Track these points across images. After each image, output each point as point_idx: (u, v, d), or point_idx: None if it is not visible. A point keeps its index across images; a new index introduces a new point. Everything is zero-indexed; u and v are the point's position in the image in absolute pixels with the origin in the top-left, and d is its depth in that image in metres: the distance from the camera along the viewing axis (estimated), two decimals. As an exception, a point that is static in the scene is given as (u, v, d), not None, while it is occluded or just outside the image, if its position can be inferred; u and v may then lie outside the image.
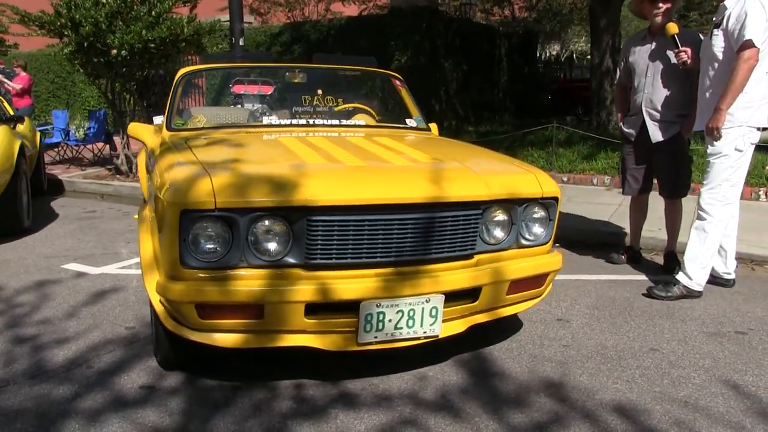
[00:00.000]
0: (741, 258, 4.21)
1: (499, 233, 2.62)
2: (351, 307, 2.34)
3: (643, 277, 4.13)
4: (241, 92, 4.09)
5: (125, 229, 5.67)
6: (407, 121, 3.87)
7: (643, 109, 4.04)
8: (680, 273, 3.67)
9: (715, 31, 3.50)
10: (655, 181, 4.22)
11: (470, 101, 12.51)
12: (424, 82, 10.73)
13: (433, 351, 2.82)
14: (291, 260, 2.32)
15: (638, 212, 4.44)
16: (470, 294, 2.55)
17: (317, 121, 3.60)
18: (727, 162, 3.49)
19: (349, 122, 3.68)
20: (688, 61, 3.73)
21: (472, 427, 2.28)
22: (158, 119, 3.77)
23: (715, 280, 3.83)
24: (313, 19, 14.11)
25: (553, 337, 3.11)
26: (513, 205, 2.61)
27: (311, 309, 2.33)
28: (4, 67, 11.95)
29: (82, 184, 8.03)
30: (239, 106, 4.05)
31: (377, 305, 2.34)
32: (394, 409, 2.40)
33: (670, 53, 3.88)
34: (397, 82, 4.12)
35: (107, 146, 9.86)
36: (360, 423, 2.31)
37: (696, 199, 3.67)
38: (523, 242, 2.69)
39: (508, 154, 8.41)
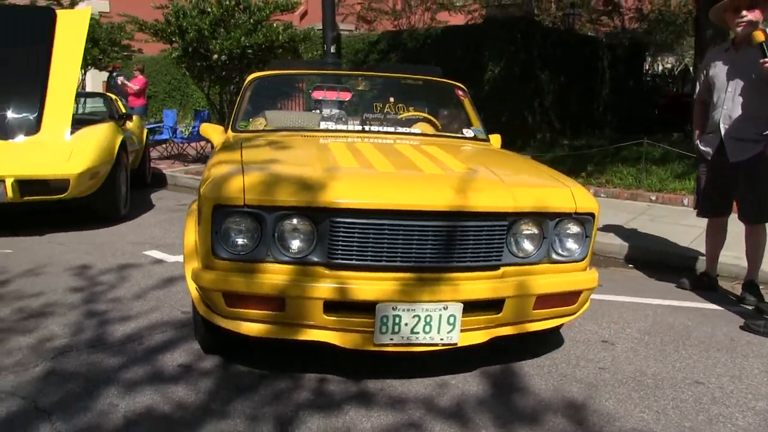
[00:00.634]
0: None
1: (528, 246, 2.60)
2: (368, 307, 2.40)
3: (711, 305, 3.90)
4: (320, 98, 4.23)
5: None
6: (464, 131, 3.88)
7: (721, 126, 3.82)
8: None
9: None
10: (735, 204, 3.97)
11: (568, 114, 12.19)
12: (517, 94, 10.60)
13: (460, 360, 2.83)
14: (315, 258, 2.42)
15: (715, 236, 4.19)
16: (493, 305, 2.54)
17: (373, 128, 3.69)
18: None
19: (404, 130, 3.75)
20: None
21: (476, 437, 2.28)
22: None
23: None
24: (410, 28, 14.27)
25: (591, 359, 3.02)
26: (544, 218, 2.58)
27: (331, 306, 2.42)
28: (119, 70, 12.99)
29: (182, 178, 8.60)
30: (318, 111, 4.17)
31: (393, 308, 2.39)
32: (404, 412, 2.44)
33: (754, 67, 3.63)
34: (460, 93, 4.15)
35: (209, 144, 10.47)
36: (367, 421, 2.37)
37: None
38: (556, 257, 2.65)
39: (597, 169, 8.24)
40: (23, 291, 3.79)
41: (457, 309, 2.44)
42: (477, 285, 2.49)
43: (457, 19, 19.17)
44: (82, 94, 8.77)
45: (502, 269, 2.55)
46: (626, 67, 14.39)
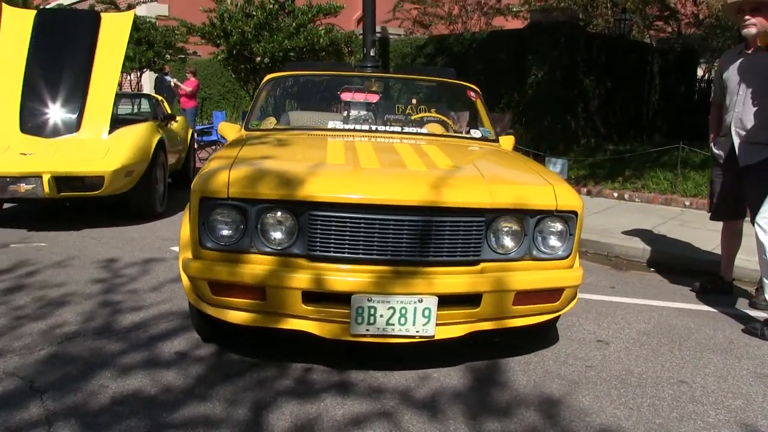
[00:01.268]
0: None
1: (508, 243, 2.62)
2: (344, 299, 2.48)
3: (720, 309, 3.81)
4: (349, 99, 4.30)
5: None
6: (472, 131, 3.92)
7: (732, 129, 3.74)
8: None
9: None
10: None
11: (614, 120, 11.93)
12: (560, 98, 10.45)
13: (448, 354, 2.89)
14: (296, 250, 2.53)
15: (730, 239, 4.09)
16: (471, 300, 2.58)
17: (380, 128, 3.77)
18: None
19: (412, 130, 3.81)
20: None
21: (441, 428, 2.32)
22: None
23: None
24: (457, 33, 14.25)
25: (581, 357, 3.01)
26: (524, 215, 2.60)
27: (310, 297, 2.51)
28: (167, 72, 13.47)
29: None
30: (346, 112, 4.23)
31: (368, 300, 2.46)
32: (378, 402, 2.50)
33: (766, 69, 3.55)
34: (472, 94, 4.18)
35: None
36: (340, 408, 2.44)
37: None
38: (538, 254, 2.66)
39: (634, 174, 8.07)
40: (48, 281, 4.03)
41: (432, 302, 2.49)
42: (453, 279, 2.54)
43: (514, 24, 18.99)
44: (127, 95, 9.18)
45: (482, 265, 2.59)
46: (678, 72, 13.97)
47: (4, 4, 6.69)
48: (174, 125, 7.99)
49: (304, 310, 2.53)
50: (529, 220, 2.62)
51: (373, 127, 3.79)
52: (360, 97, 4.10)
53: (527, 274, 2.64)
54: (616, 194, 7.50)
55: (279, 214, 2.52)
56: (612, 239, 5.39)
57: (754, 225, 3.75)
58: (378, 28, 13.49)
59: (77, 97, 5.89)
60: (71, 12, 7.76)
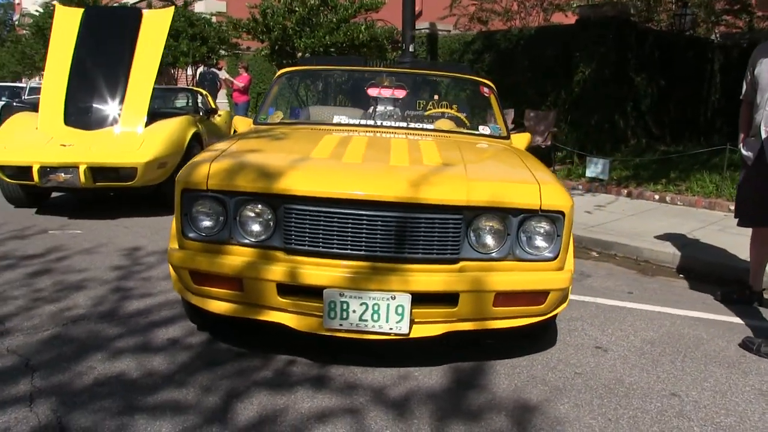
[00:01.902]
0: None
1: (489, 242, 2.56)
2: (318, 292, 2.48)
3: (740, 319, 3.61)
4: (375, 95, 4.30)
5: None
6: (480, 127, 3.84)
7: (762, 128, 3.52)
8: None
9: None
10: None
11: (668, 119, 11.47)
12: (609, 96, 10.12)
13: (435, 354, 2.85)
14: (274, 243, 2.54)
15: (760, 246, 3.85)
16: (448, 299, 2.54)
17: (385, 123, 3.75)
18: None
19: (415, 125, 3.77)
20: None
21: (405, 428, 2.29)
22: None
23: None
24: (506, 29, 13.97)
25: (573, 363, 2.91)
26: (506, 214, 2.53)
27: (285, 290, 2.53)
28: (222, 68, 13.79)
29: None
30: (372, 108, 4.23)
31: (341, 294, 2.46)
32: (349, 398, 2.49)
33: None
34: (485, 89, 4.10)
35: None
36: (309, 401, 2.45)
37: None
38: (522, 255, 2.59)
39: (680, 176, 7.73)
40: (72, 266, 4.20)
41: (405, 299, 2.46)
42: (428, 277, 2.49)
43: (573, 21, 18.52)
44: (170, 89, 9.44)
45: (461, 263, 2.54)
46: (742, 70, 13.29)
47: (57, 4, 7.01)
48: (217, 119, 8.20)
49: (280, 302, 2.54)
50: (512, 220, 2.54)
51: (379, 122, 3.77)
52: (374, 92, 4.09)
53: (509, 275, 2.56)
54: (657, 197, 7.21)
55: (257, 206, 2.54)
56: (642, 243, 5.19)
57: None
58: (426, 24, 13.43)
59: (117, 92, 6.11)
60: (114, 9, 8.05)
